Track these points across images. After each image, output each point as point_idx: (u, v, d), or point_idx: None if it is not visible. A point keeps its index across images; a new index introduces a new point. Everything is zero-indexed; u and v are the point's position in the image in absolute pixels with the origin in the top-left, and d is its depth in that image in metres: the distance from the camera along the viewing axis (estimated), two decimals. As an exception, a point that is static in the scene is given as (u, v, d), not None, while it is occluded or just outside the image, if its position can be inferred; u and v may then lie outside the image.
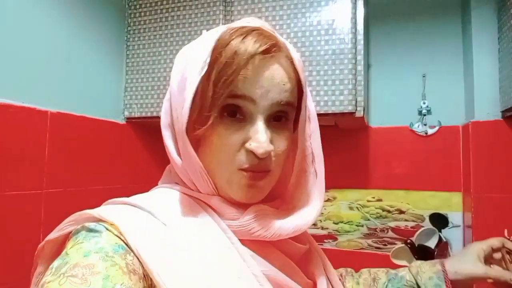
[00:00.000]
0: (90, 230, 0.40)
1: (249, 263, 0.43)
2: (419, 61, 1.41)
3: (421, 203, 1.38)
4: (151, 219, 0.43)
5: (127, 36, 1.42)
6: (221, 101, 0.43)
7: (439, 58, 1.39)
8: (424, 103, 1.39)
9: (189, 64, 0.45)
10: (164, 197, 0.48)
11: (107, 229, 0.40)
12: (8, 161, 0.97)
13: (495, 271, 0.68)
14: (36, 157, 1.05)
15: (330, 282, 0.54)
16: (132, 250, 0.39)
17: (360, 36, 1.16)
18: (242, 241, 0.45)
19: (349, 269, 0.78)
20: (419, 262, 0.73)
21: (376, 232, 1.43)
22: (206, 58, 0.43)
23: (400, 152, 1.41)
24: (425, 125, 1.38)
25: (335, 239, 1.48)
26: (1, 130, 0.96)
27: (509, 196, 1.14)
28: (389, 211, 1.41)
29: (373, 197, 1.43)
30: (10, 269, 0.94)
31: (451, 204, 1.34)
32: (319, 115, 1.17)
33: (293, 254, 0.49)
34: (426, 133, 1.38)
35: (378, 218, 1.43)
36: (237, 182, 0.45)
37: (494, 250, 0.72)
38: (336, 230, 1.48)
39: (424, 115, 1.38)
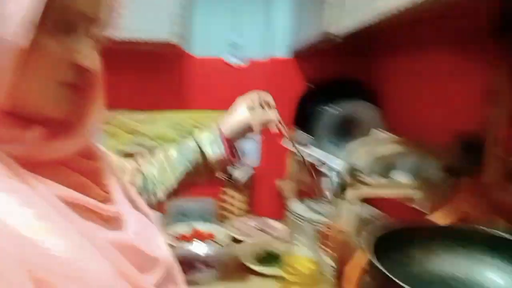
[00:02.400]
0: None
1: (38, 189, 0.38)
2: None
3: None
4: None
5: None
6: (56, 13, 0.39)
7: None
8: (237, 38, 1.55)
9: None
10: None
11: None
12: None
13: (258, 113, 0.82)
14: None
15: (123, 189, 0.55)
16: None
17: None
18: (27, 167, 0.39)
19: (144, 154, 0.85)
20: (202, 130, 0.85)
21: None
22: None
23: (214, 82, 1.56)
24: (237, 58, 1.56)
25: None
26: None
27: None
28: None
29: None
30: None
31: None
32: (139, 43, 1.19)
33: (85, 171, 0.47)
34: (238, 65, 1.56)
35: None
36: (61, 97, 0.43)
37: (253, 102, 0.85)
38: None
39: (236, 49, 1.56)
